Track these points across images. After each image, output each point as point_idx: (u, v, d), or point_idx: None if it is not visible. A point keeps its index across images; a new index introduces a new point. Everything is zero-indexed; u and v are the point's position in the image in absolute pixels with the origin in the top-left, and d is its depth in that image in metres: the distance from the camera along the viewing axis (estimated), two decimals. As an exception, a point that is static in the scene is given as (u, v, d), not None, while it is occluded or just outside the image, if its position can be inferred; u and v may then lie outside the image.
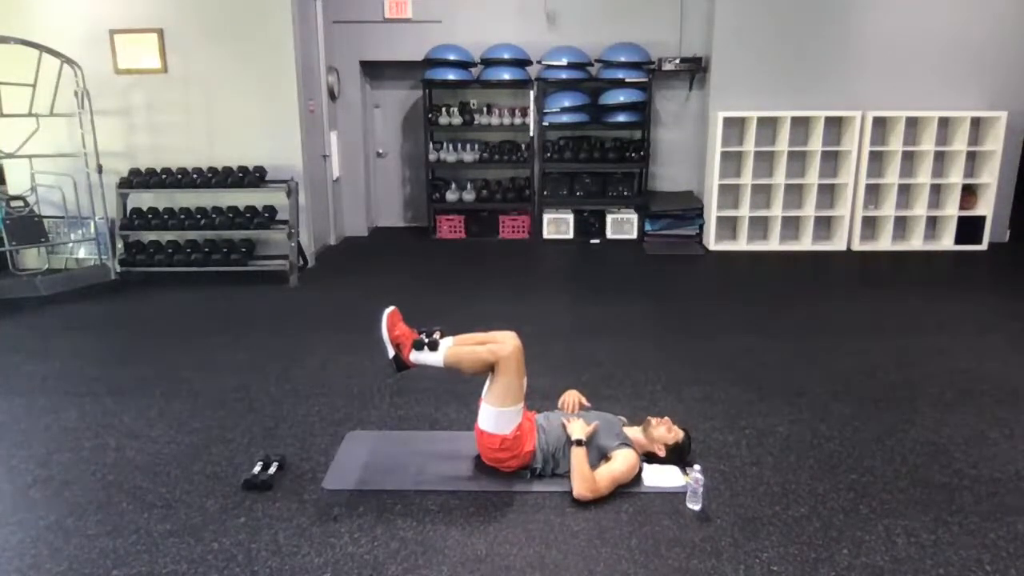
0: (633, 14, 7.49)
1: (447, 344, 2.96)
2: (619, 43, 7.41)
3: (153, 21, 6.37)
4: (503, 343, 2.91)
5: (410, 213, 8.66)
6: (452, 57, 7.31)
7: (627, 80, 7.33)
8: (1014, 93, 7.22)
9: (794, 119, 7.16)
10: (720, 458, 3.14)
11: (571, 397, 3.31)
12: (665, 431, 3.02)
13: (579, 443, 2.87)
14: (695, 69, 7.40)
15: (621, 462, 2.86)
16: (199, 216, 6.33)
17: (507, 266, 6.77)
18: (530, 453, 2.95)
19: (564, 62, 7.30)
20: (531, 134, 7.65)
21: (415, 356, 2.95)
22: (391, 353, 2.97)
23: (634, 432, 3.07)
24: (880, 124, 7.29)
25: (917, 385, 3.91)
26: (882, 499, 2.82)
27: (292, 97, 6.54)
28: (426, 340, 2.94)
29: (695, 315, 5.21)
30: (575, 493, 2.79)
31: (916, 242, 7.40)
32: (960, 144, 7.13)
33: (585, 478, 2.80)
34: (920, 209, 7.29)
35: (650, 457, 3.03)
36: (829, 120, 7.22)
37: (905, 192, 7.41)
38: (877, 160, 7.39)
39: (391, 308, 3.00)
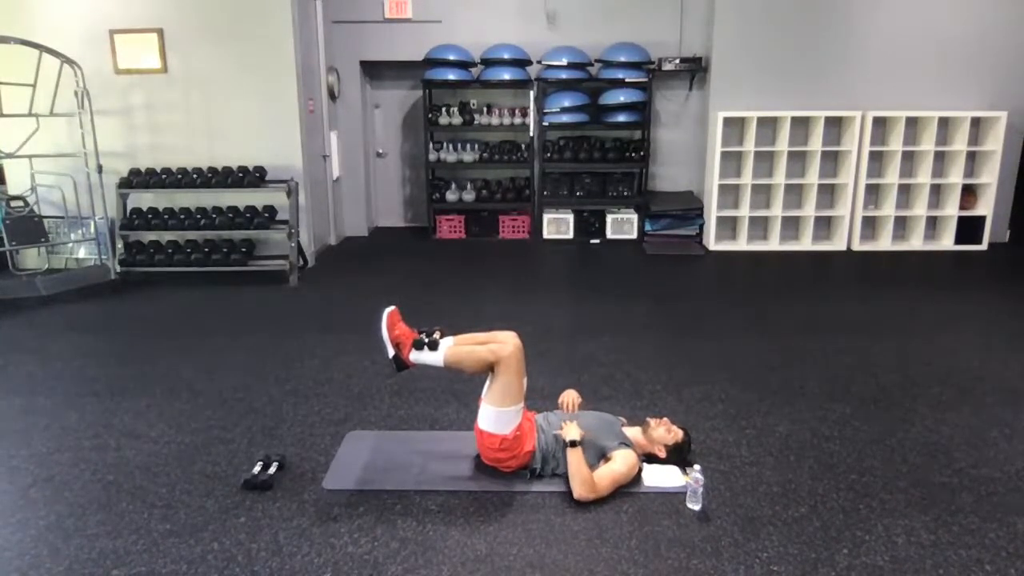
0: (633, 14, 7.49)
1: (447, 344, 2.96)
2: (619, 43, 7.41)
3: (153, 21, 6.38)
4: (503, 343, 2.91)
5: (410, 213, 8.66)
6: (452, 57, 7.31)
7: (627, 80, 7.33)
8: (1014, 93, 7.22)
9: (794, 119, 7.16)
10: (720, 458, 3.14)
11: (569, 397, 3.30)
12: (664, 432, 3.02)
13: (572, 444, 2.86)
14: (695, 69, 7.41)
15: (621, 462, 2.86)
16: (199, 216, 6.33)
17: (507, 266, 6.77)
18: (530, 453, 2.95)
19: (564, 62, 7.30)
20: (531, 134, 7.65)
21: (415, 356, 2.95)
22: (391, 353, 2.97)
23: (633, 433, 3.07)
24: (880, 124, 7.29)
25: (917, 385, 3.92)
26: (882, 499, 2.82)
27: (292, 97, 6.54)
28: (426, 340, 2.94)
29: (695, 315, 5.21)
30: (575, 495, 2.79)
31: (916, 242, 7.40)
32: (960, 144, 7.13)
33: (584, 480, 2.79)
34: (920, 209, 7.29)
35: (651, 458, 3.03)
36: (829, 120, 7.23)
37: (905, 192, 7.41)
38: (877, 160, 7.39)
39: (391, 308, 3.00)
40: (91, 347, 4.62)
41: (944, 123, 7.26)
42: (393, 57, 7.69)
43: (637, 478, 2.93)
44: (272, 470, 2.99)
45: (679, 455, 3.02)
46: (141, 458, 3.18)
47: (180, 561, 2.47)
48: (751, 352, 4.42)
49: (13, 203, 6.06)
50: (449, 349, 2.94)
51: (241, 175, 6.26)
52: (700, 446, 3.24)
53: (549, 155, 7.63)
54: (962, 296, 5.64)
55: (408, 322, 3.03)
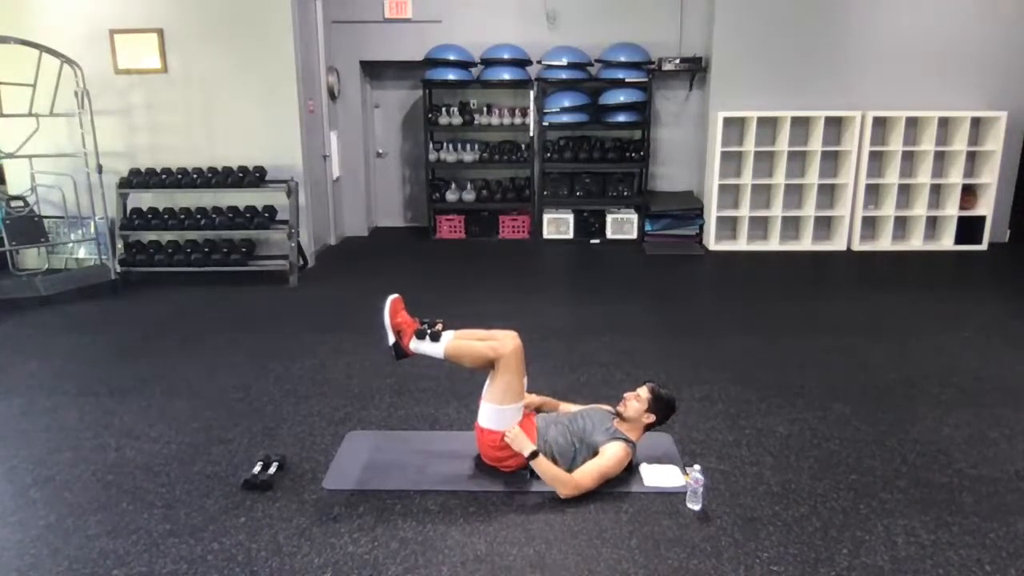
0: (633, 14, 7.49)
1: (448, 337, 2.98)
2: (619, 43, 7.41)
3: (153, 21, 6.38)
4: (504, 341, 2.92)
5: (410, 213, 8.66)
6: (452, 57, 7.31)
7: (627, 80, 7.33)
8: (1014, 93, 7.22)
9: (794, 119, 7.16)
10: (720, 458, 3.14)
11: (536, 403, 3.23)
12: (635, 404, 2.97)
13: (534, 455, 2.83)
14: (695, 69, 7.40)
15: (609, 456, 2.87)
16: (199, 216, 6.33)
17: (507, 266, 6.77)
18: (530, 453, 2.95)
19: (564, 62, 7.30)
20: (531, 134, 7.65)
21: (415, 345, 2.97)
22: (391, 340, 2.99)
23: (619, 421, 3.03)
24: (880, 124, 7.29)
25: (917, 385, 3.92)
26: (882, 499, 2.82)
27: (292, 97, 6.54)
28: (428, 330, 2.96)
29: (695, 315, 5.21)
30: (561, 495, 2.81)
31: (916, 242, 7.40)
32: (960, 144, 7.13)
33: (562, 482, 2.81)
34: (920, 209, 7.29)
35: (649, 427, 3.02)
36: (829, 120, 7.22)
37: (905, 192, 7.41)
38: (877, 160, 7.39)
39: (395, 295, 3.02)
40: (91, 347, 4.62)
41: (944, 123, 7.26)
42: (393, 57, 7.69)
43: (636, 476, 2.93)
44: (272, 470, 2.99)
45: (661, 408, 2.98)
46: (141, 458, 3.18)
47: (180, 561, 2.47)
48: (751, 352, 4.41)
49: (13, 203, 6.06)
50: (450, 342, 2.96)
51: (241, 175, 6.25)
52: (700, 446, 3.24)
53: (549, 155, 7.63)
54: (962, 296, 5.64)
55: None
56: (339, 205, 7.93)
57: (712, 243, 7.41)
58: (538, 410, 3.23)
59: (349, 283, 6.21)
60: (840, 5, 7.07)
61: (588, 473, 2.83)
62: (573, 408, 3.25)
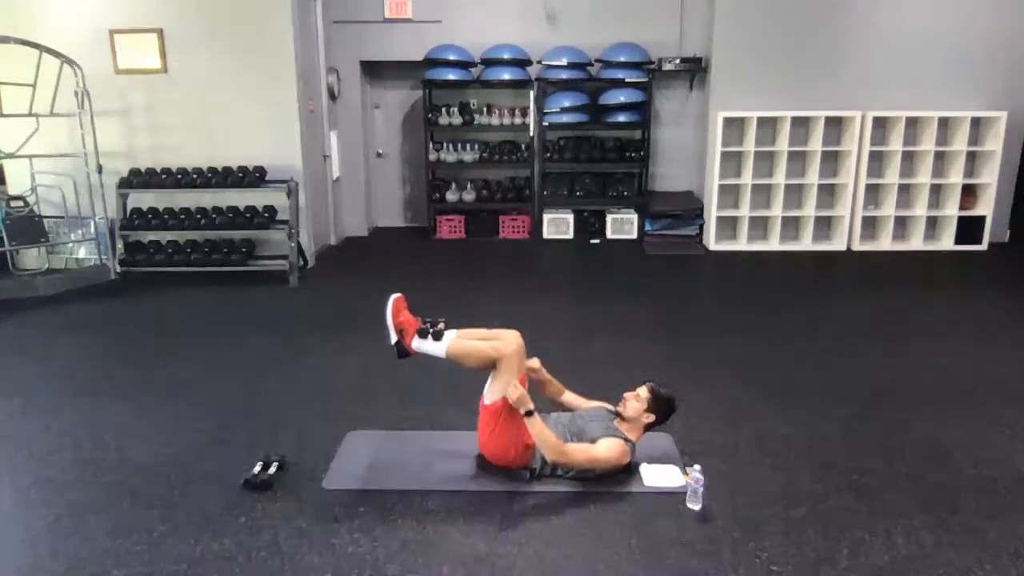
0: (633, 14, 7.49)
1: (450, 336, 2.98)
2: (619, 43, 7.41)
3: (153, 21, 6.37)
4: (506, 341, 2.93)
5: (410, 213, 8.66)
6: (452, 57, 7.31)
7: (627, 80, 7.33)
8: (1014, 93, 7.22)
9: (794, 119, 7.15)
10: (720, 458, 3.14)
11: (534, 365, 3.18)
12: (635, 403, 2.98)
13: (529, 414, 2.82)
14: (695, 69, 7.40)
15: (604, 447, 2.88)
16: (199, 216, 6.33)
17: (507, 266, 6.77)
18: (530, 451, 2.95)
19: (564, 62, 7.30)
20: (531, 134, 7.65)
21: (417, 344, 2.97)
22: (393, 339, 2.99)
23: (621, 422, 3.04)
24: (880, 124, 7.28)
25: (917, 385, 3.91)
26: (882, 499, 2.82)
27: (292, 97, 6.53)
28: (430, 329, 2.96)
29: (695, 315, 5.21)
30: (547, 458, 2.87)
31: (916, 242, 7.39)
32: (960, 144, 7.13)
33: (550, 446, 2.82)
34: (920, 209, 7.29)
35: (649, 427, 3.02)
36: (829, 120, 7.22)
37: (905, 192, 7.41)
38: (877, 160, 7.38)
39: (397, 294, 3.02)
40: (91, 347, 4.62)
41: (944, 123, 7.25)
42: (393, 57, 7.69)
43: (634, 473, 2.94)
44: (272, 470, 2.99)
45: (661, 408, 2.99)
46: (141, 458, 3.18)
47: (180, 561, 2.47)
48: (751, 352, 4.41)
49: (13, 203, 6.06)
50: (452, 341, 2.96)
51: (241, 175, 6.25)
52: (700, 446, 3.24)
53: (549, 155, 7.63)
54: (962, 296, 5.64)
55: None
56: (339, 205, 7.93)
57: (712, 243, 7.41)
58: (547, 396, 3.24)
59: (349, 283, 6.21)
60: (840, 5, 7.07)
61: (579, 448, 2.86)
62: (577, 400, 3.26)
